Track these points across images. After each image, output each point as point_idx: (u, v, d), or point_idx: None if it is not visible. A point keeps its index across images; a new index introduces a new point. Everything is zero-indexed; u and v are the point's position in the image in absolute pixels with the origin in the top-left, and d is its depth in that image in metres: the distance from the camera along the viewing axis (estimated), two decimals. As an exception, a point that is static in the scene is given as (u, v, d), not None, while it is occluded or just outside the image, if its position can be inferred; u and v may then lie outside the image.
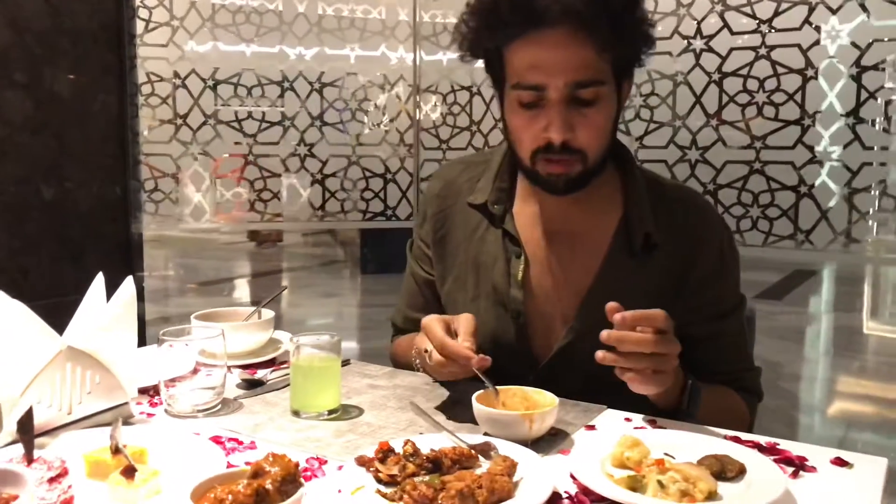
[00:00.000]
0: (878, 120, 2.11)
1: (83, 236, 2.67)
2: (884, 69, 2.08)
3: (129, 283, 1.07)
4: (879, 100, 2.10)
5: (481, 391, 1.05)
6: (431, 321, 1.11)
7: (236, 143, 2.91)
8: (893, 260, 2.24)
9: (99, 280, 1.09)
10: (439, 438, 0.96)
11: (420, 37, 2.96)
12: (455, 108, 2.94)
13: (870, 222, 2.17)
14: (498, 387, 1.06)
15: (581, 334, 1.22)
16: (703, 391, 1.13)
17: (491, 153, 1.38)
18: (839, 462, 0.95)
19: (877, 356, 4.91)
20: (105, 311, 1.05)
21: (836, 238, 2.22)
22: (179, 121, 2.84)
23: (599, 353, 0.99)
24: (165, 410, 1.13)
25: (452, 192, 1.38)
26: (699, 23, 2.35)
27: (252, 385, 1.25)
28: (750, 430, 1.24)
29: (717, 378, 1.22)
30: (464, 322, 1.11)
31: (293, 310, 5.92)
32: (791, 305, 5.79)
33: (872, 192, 2.14)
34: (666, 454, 0.94)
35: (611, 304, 1.00)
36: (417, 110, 3.01)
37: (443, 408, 1.14)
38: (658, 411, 1.13)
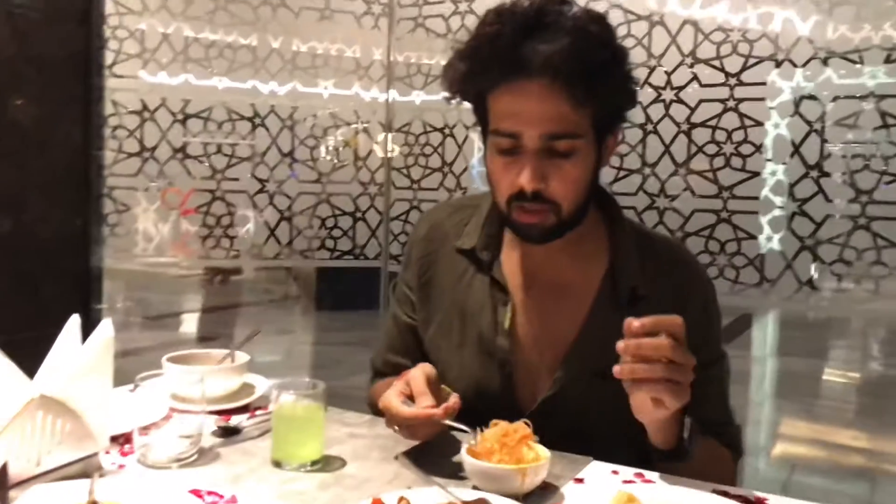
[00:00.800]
0: (840, 174, 2.18)
1: (41, 269, 2.58)
2: (846, 124, 2.16)
3: (106, 325, 1.03)
4: (843, 154, 2.17)
5: (470, 444, 1.03)
6: (388, 401, 1.10)
7: (204, 178, 2.87)
8: (849, 307, 2.30)
9: (74, 321, 1.05)
10: (431, 493, 0.93)
11: (394, 77, 2.98)
12: (427, 148, 2.94)
13: (832, 272, 2.22)
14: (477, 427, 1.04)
15: (566, 385, 1.21)
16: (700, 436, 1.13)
17: (480, 197, 1.37)
18: (828, 519, 0.95)
19: (823, 400, 5.03)
20: (80, 355, 1.01)
21: (801, 287, 2.27)
22: (146, 154, 2.79)
23: (616, 368, 0.97)
24: (138, 461, 1.08)
25: (439, 235, 1.37)
26: (669, 74, 2.41)
27: (228, 433, 1.21)
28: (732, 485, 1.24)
29: (701, 432, 1.22)
30: (414, 384, 1.10)
31: (245, 347, 5.78)
32: (737, 349, 5.89)
33: (835, 243, 2.19)
34: (657, 512, 0.93)
35: (629, 319, 0.98)
36: (389, 150, 3.02)
37: (428, 459, 1.12)
38: (649, 456, 1.12)
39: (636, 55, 2.44)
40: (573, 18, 1.13)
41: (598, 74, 1.11)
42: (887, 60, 2.11)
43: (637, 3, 2.44)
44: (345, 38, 2.97)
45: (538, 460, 1.00)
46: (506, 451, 0.99)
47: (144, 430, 1.07)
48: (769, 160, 2.29)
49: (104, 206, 2.80)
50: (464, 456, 1.00)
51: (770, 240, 2.27)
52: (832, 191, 2.20)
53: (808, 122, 2.21)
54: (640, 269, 1.23)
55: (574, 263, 1.24)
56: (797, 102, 2.22)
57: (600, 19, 1.16)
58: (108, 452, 1.10)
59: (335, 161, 3.01)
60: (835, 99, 2.17)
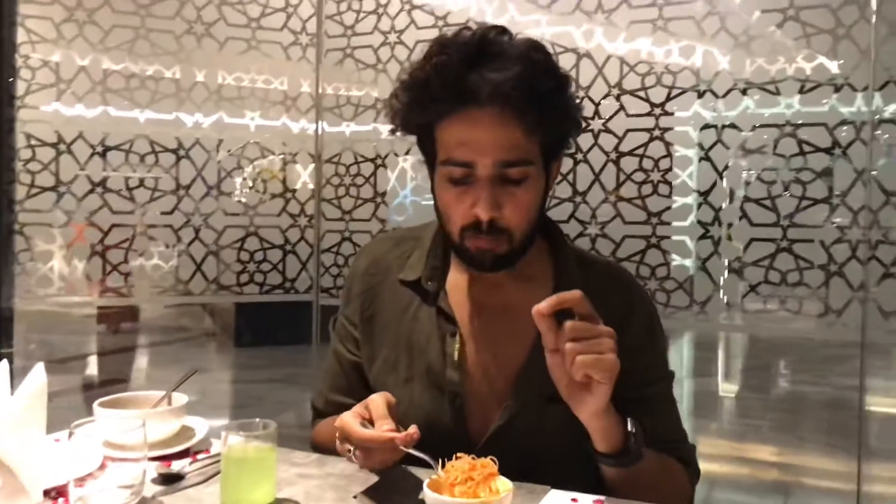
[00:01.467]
0: (762, 199, 2.28)
1: (-54, 312, 2.41)
2: (766, 151, 2.25)
3: (39, 371, 0.96)
4: (764, 179, 2.27)
5: (431, 478, 1.00)
6: (345, 421, 1.08)
7: (126, 213, 2.75)
8: (772, 326, 2.39)
9: (3, 368, 0.97)
10: (397, 533, 0.90)
11: (322, 107, 2.95)
12: (359, 179, 2.92)
13: (758, 293, 2.30)
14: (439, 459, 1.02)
15: (517, 412, 1.20)
16: (645, 448, 1.13)
17: (421, 229, 1.37)
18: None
19: (733, 418, 5.23)
20: (11, 405, 0.94)
21: (729, 309, 2.34)
22: (62, 188, 2.66)
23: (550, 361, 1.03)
24: (74, 514, 1.01)
25: (381, 269, 1.35)
26: (597, 105, 2.47)
27: (171, 479, 1.14)
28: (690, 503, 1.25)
29: (653, 448, 1.23)
30: (374, 407, 1.08)
31: (160, 387, 5.56)
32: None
33: (760, 265, 2.28)
34: (627, 538, 0.92)
35: (535, 309, 1.02)
36: (319, 181, 2.98)
37: (387, 497, 1.09)
38: (603, 480, 1.12)
39: (565, 86, 2.50)
40: (518, 47, 1.15)
41: (546, 101, 1.13)
42: (801, 91, 2.22)
43: (564, 37, 2.50)
44: (272, 69, 2.93)
45: (500, 493, 0.98)
46: (470, 485, 0.97)
47: (80, 481, 1.00)
48: (694, 187, 2.37)
49: (15, 243, 2.66)
50: (426, 491, 0.97)
51: (698, 263, 2.34)
52: (756, 215, 2.29)
53: (730, 150, 2.30)
54: (584, 291, 1.24)
55: (519, 289, 1.24)
56: (719, 131, 2.31)
57: (542, 48, 1.18)
58: (39, 508, 1.02)
59: (262, 193, 2.94)
60: (754, 128, 2.27)
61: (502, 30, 1.16)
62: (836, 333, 2.21)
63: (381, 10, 2.89)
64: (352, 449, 1.07)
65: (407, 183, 2.86)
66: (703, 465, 1.31)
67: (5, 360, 0.98)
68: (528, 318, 1.22)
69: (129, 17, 2.74)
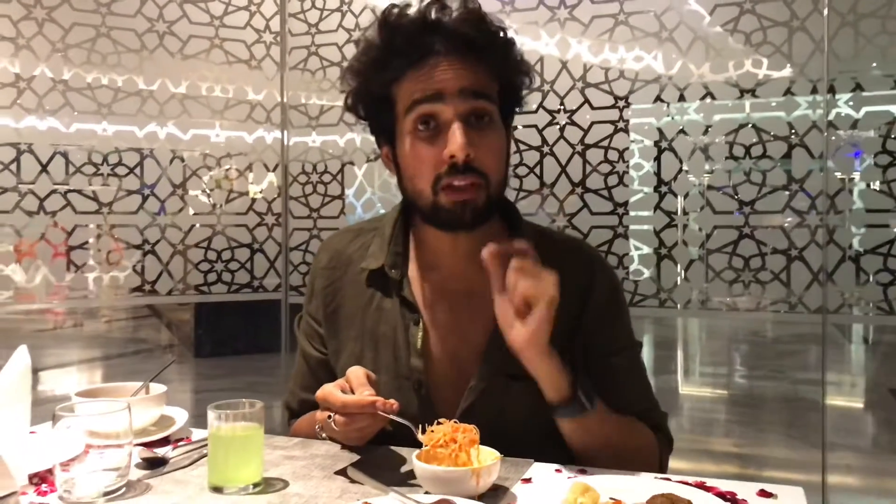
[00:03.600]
0: (724, 187, 2.34)
1: None
2: (728, 141, 2.32)
3: (22, 352, 0.95)
4: (725, 168, 2.33)
5: (419, 450, 1.02)
6: (326, 390, 1.09)
7: (90, 213, 2.71)
8: (736, 314, 2.46)
9: (-16, 351, 0.96)
10: (389, 501, 0.91)
11: (288, 106, 2.95)
12: (326, 176, 2.91)
13: (722, 279, 2.36)
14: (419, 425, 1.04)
15: (480, 393, 1.22)
16: (600, 402, 1.16)
17: (379, 220, 1.38)
18: (764, 494, 1.01)
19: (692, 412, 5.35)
20: (-5, 386, 0.93)
21: (691, 299, 2.40)
22: (24, 188, 2.60)
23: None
24: (60, 498, 1.00)
25: (342, 262, 1.35)
26: (562, 98, 2.51)
27: (155, 464, 1.14)
28: (663, 469, 1.28)
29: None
30: (353, 376, 1.09)
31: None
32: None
33: (725, 252, 2.34)
34: (612, 498, 0.95)
35: (486, 249, 1.10)
36: (284, 179, 2.97)
37: (371, 473, 1.09)
38: (554, 411, 1.14)
39: (530, 80, 2.54)
40: (466, 5, 1.20)
41: (500, 47, 1.20)
42: (759, 83, 2.30)
43: (529, 30, 2.54)
44: (238, 69, 2.92)
45: (487, 461, 1.00)
46: (453, 448, 0.99)
47: (65, 465, 0.99)
48: (659, 176, 2.42)
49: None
50: (414, 462, 0.99)
51: (664, 251, 2.39)
52: (718, 203, 2.35)
53: (692, 139, 2.36)
54: (544, 263, 1.25)
55: (479, 270, 1.24)
56: (681, 122, 2.36)
57: (482, 8, 1.23)
58: (24, 493, 1.01)
59: (229, 191, 2.92)
60: (713, 120, 2.33)
61: (443, 4, 1.20)
62: (797, 316, 2.28)
63: (344, 8, 2.90)
64: (331, 416, 1.07)
65: (375, 180, 2.86)
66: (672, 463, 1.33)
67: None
68: (489, 303, 1.22)
69: (90, 15, 2.70)
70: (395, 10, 1.20)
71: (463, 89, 1.15)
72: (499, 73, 1.20)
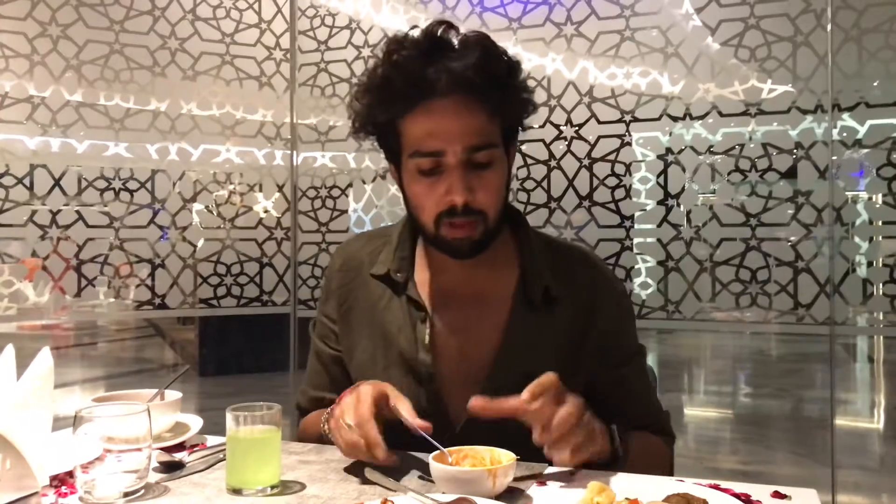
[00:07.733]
0: (730, 200, 2.35)
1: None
2: (733, 154, 2.34)
3: (45, 354, 0.97)
4: (732, 181, 2.35)
5: (436, 452, 1.03)
6: (367, 390, 1.10)
7: (101, 227, 2.73)
8: (742, 325, 2.46)
9: (8, 351, 0.98)
10: (408, 501, 0.92)
11: (298, 123, 2.98)
12: (335, 191, 2.94)
13: (729, 291, 2.37)
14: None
15: (493, 393, 1.23)
16: (629, 434, 1.17)
17: (390, 228, 1.43)
18: (778, 495, 1.02)
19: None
20: (19, 386, 0.94)
21: (701, 309, 2.41)
22: (37, 202, 2.63)
23: (556, 458, 1.05)
24: (81, 499, 1.01)
25: (354, 265, 1.39)
26: (569, 113, 2.54)
27: (172, 467, 1.15)
28: (671, 472, 1.29)
29: (631, 424, 1.27)
30: (361, 409, 1.09)
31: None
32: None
33: (732, 265, 2.35)
34: (628, 499, 0.96)
35: (472, 404, 1.07)
36: (294, 194, 2.99)
37: (392, 471, 1.10)
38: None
39: (537, 95, 2.57)
40: (469, 38, 1.21)
41: (504, 85, 1.20)
42: (764, 96, 2.32)
43: (536, 46, 2.58)
44: (248, 86, 2.95)
45: (502, 462, 1.01)
46: (474, 453, 1.00)
47: (85, 467, 1.00)
48: (665, 190, 2.44)
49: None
50: (432, 463, 1.00)
51: (671, 264, 2.40)
52: (725, 216, 2.37)
53: (699, 154, 2.38)
54: (551, 272, 1.29)
55: (488, 275, 1.27)
56: (688, 137, 2.39)
57: (488, 37, 1.24)
58: (44, 495, 1.02)
59: (238, 206, 2.95)
60: (720, 133, 2.36)
61: (450, 25, 1.22)
62: (805, 328, 2.29)
63: (354, 25, 2.94)
64: (351, 425, 1.07)
65: (383, 194, 2.89)
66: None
67: (10, 345, 0.98)
68: (498, 303, 1.26)
69: (103, 32, 2.74)
70: (398, 47, 1.19)
71: (466, 147, 1.16)
72: (502, 111, 1.21)
